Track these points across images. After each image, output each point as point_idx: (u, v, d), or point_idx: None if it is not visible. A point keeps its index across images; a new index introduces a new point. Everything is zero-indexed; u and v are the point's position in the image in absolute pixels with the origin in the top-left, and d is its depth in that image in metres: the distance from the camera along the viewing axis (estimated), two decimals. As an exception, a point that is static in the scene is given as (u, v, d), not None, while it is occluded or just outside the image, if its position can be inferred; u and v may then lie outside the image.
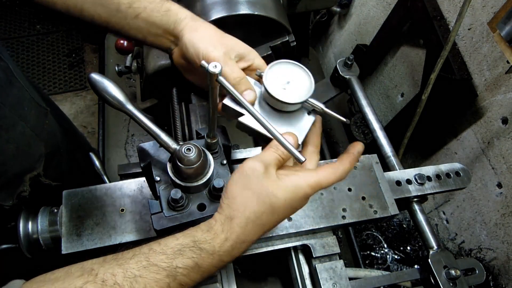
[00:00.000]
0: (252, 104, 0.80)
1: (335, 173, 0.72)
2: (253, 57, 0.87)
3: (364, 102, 1.40)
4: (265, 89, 0.78)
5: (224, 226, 0.68)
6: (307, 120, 0.82)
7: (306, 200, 0.73)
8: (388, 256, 1.85)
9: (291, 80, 0.80)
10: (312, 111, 0.83)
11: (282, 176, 0.70)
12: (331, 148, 1.94)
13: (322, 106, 0.79)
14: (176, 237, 0.67)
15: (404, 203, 1.16)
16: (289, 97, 0.78)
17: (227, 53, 0.81)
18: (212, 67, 0.63)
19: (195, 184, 0.77)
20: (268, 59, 1.14)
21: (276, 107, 0.82)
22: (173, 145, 0.76)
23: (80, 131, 1.64)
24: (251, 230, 0.69)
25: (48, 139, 1.07)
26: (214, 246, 0.66)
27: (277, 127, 0.71)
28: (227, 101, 0.79)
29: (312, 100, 0.79)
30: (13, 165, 0.94)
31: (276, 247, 1.02)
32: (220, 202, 0.71)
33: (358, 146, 0.77)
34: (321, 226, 1.01)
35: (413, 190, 1.13)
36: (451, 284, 1.02)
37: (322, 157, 1.84)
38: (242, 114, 0.79)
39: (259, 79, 0.83)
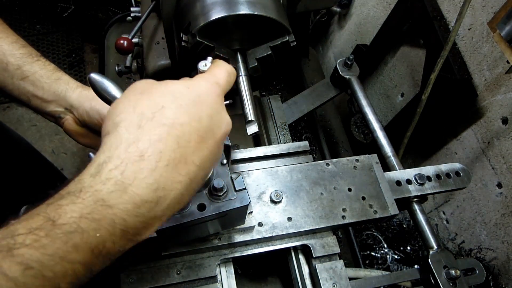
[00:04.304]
0: None
1: (225, 65, 0.66)
2: None
3: (364, 102, 1.40)
4: None
5: (101, 152, 0.48)
6: None
7: (213, 94, 0.58)
8: (388, 256, 1.85)
9: None
10: None
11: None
12: (331, 148, 1.94)
13: None
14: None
15: (404, 203, 1.16)
16: None
17: None
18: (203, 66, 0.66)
19: (195, 184, 0.77)
20: (268, 59, 1.15)
21: None
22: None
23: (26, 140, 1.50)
24: (150, 132, 0.48)
25: None
26: (74, 191, 0.46)
27: None
28: None
29: None
30: None
31: (276, 247, 1.02)
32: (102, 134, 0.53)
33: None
34: (321, 226, 1.01)
35: (413, 190, 1.13)
36: (451, 284, 1.02)
37: (322, 157, 1.84)
38: None
39: None
